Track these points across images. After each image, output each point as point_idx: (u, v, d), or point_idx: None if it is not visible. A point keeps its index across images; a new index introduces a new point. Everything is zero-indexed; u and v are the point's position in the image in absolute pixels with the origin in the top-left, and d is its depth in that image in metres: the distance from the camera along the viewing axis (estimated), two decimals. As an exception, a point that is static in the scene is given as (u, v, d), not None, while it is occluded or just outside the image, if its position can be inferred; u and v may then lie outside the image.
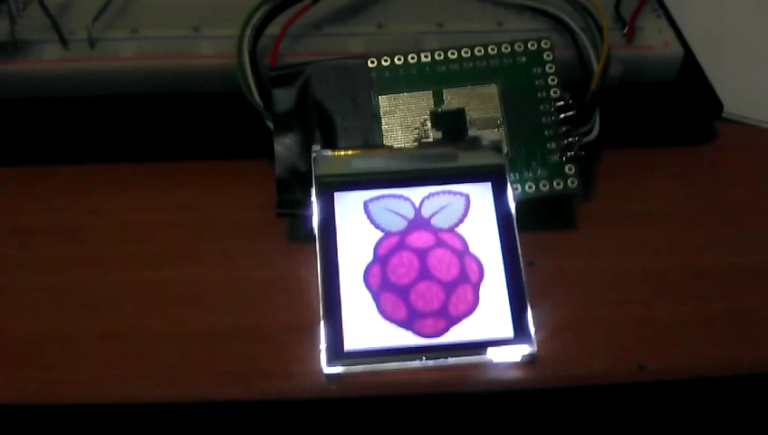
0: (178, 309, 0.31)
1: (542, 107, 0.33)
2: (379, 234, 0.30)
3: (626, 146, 0.37)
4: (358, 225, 0.31)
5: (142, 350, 0.30)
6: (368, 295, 0.30)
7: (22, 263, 0.33)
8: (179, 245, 0.33)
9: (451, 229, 0.31)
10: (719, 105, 0.37)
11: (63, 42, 0.36)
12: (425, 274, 0.30)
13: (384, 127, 0.33)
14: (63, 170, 0.36)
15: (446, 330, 0.29)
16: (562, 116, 0.33)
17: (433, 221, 0.31)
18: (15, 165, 0.36)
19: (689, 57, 0.38)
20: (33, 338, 0.30)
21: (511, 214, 0.31)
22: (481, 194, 0.31)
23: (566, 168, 0.33)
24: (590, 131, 0.34)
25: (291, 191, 0.32)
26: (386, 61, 0.34)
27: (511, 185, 0.31)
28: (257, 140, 0.34)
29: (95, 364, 0.30)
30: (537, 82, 0.34)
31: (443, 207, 0.31)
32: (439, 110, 0.33)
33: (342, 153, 0.32)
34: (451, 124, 0.33)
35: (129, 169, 0.36)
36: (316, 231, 0.30)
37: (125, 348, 0.30)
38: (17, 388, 0.29)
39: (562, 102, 0.33)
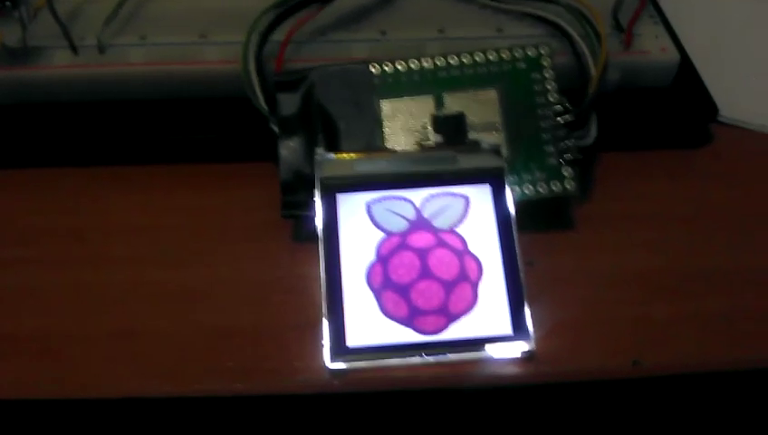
0: (185, 308, 0.32)
1: (540, 111, 0.34)
2: (381, 234, 0.31)
3: (623, 149, 0.37)
4: (360, 226, 0.31)
5: (149, 347, 0.31)
6: (370, 294, 0.30)
7: (32, 262, 0.34)
8: (186, 245, 0.34)
9: (451, 230, 0.31)
10: (715, 109, 0.38)
11: (73, 48, 0.37)
12: (425, 273, 0.31)
13: (386, 131, 0.34)
14: (72, 173, 0.37)
15: (445, 327, 0.30)
16: (560, 120, 0.34)
17: (434, 222, 0.32)
18: (25, 168, 0.37)
19: (686, 62, 0.39)
20: (42, 335, 0.31)
21: (509, 215, 0.32)
22: (480, 196, 0.32)
23: (563, 170, 0.34)
24: (587, 135, 0.34)
25: (295, 193, 0.33)
26: (388, 66, 0.35)
27: (510, 187, 0.32)
28: (262, 144, 0.35)
29: (104, 361, 0.30)
30: (536, 88, 0.35)
31: (443, 209, 0.32)
32: (440, 114, 0.34)
33: (345, 156, 0.33)
34: (451, 128, 0.34)
35: (137, 171, 0.37)
36: (320, 232, 0.31)
37: (133, 345, 0.31)
38: (28, 384, 0.30)
39: (560, 107, 0.34)
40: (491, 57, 0.35)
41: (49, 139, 0.37)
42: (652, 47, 0.38)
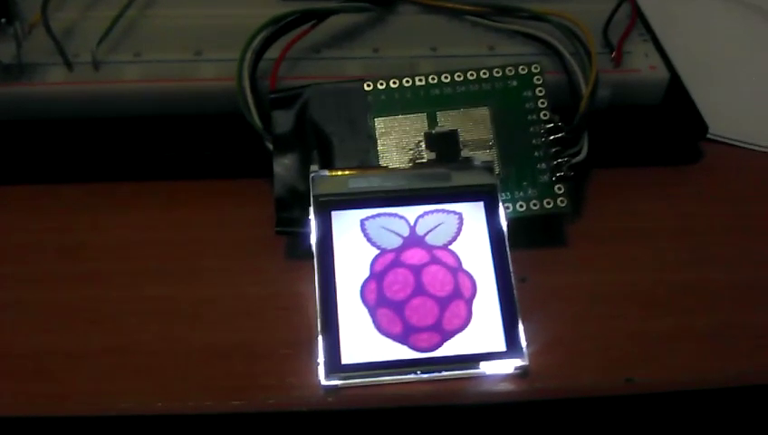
0: (179, 325, 0.32)
1: (532, 129, 0.35)
2: (375, 251, 0.31)
3: (614, 166, 0.38)
4: (354, 242, 0.32)
5: (143, 364, 0.31)
6: (364, 311, 0.30)
7: (26, 279, 0.33)
8: (180, 262, 0.34)
9: (445, 247, 0.32)
10: (704, 127, 0.38)
11: (68, 64, 0.37)
12: (419, 290, 0.31)
13: (380, 148, 0.34)
14: (67, 189, 0.37)
15: (440, 344, 0.30)
16: (552, 138, 0.34)
17: (427, 239, 0.32)
18: (20, 184, 0.37)
19: (675, 80, 0.39)
20: (36, 352, 0.31)
21: (502, 232, 0.32)
22: (474, 213, 0.32)
23: (556, 187, 0.34)
24: (578, 152, 0.35)
25: (289, 210, 0.33)
26: (381, 84, 0.35)
27: (502, 204, 0.32)
28: (256, 160, 0.35)
29: (97, 378, 0.30)
30: (527, 105, 0.35)
31: (437, 226, 0.32)
32: (433, 131, 0.34)
33: (339, 173, 0.33)
34: (444, 145, 0.34)
35: (132, 187, 0.37)
36: (314, 249, 0.31)
37: (126, 362, 0.31)
38: (22, 401, 0.30)
39: (552, 125, 0.34)
40: (483, 75, 0.35)
41: (43, 155, 0.37)
42: (642, 65, 0.39)
